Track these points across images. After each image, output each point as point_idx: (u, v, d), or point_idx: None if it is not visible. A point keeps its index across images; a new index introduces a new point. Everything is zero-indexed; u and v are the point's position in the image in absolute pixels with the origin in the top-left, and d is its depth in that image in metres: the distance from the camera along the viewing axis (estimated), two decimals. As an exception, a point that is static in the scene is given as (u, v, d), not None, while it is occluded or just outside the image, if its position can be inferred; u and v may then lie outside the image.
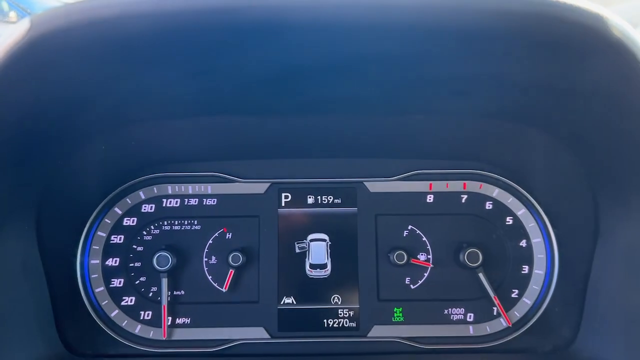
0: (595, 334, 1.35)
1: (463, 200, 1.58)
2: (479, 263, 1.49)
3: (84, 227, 1.53)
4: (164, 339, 1.49)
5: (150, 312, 1.52)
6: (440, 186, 1.59)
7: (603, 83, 0.98)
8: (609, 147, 1.18)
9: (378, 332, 1.53)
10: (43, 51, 0.86)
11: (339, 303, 1.55)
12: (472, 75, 1.08)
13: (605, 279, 1.32)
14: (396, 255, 1.52)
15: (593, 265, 1.35)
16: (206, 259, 1.55)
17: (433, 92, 1.21)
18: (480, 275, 1.50)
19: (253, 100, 1.26)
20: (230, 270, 1.52)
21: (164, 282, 1.49)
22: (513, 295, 1.54)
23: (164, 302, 1.49)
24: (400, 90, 1.21)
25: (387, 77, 1.12)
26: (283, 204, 1.59)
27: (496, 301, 1.50)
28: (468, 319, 1.53)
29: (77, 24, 0.84)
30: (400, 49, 0.97)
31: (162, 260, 1.48)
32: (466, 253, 1.49)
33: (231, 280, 1.53)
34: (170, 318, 1.51)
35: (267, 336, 1.52)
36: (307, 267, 1.56)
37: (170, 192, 1.58)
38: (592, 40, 0.88)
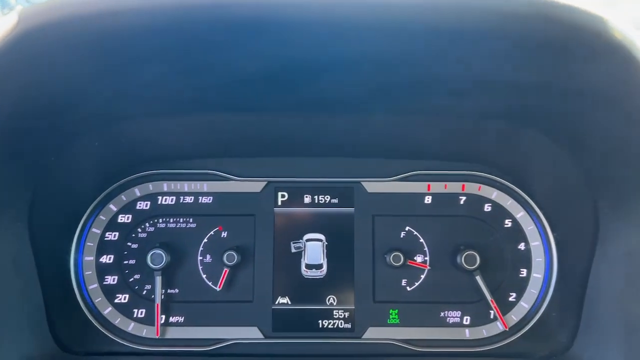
0: (593, 340, 1.34)
1: (461, 202, 1.57)
2: (476, 266, 1.48)
3: (78, 223, 1.52)
4: (157, 337, 1.48)
5: (144, 310, 1.51)
6: (438, 187, 1.57)
7: (603, 86, 0.96)
8: (610, 151, 1.16)
9: (373, 333, 1.51)
10: (31, 45, 0.85)
11: (334, 304, 1.53)
12: (471, 76, 1.06)
13: (604, 284, 1.30)
14: (393, 257, 1.50)
15: (592, 270, 1.34)
16: (201, 258, 1.54)
17: (432, 92, 1.19)
18: (478, 278, 1.49)
19: (249, 98, 1.24)
20: (225, 269, 1.51)
21: (158, 280, 1.48)
22: (510, 299, 1.53)
23: (158, 300, 1.48)
24: (399, 90, 1.19)
25: (385, 77, 1.10)
26: (279, 203, 1.57)
27: (493, 304, 1.49)
28: (464, 322, 1.52)
29: (66, 18, 0.82)
30: (400, 48, 0.96)
31: (157, 258, 1.47)
32: (464, 255, 1.48)
33: (226, 279, 1.51)
34: (163, 316, 1.50)
35: (261, 336, 1.50)
36: (303, 267, 1.54)
37: (165, 189, 1.57)
38: (592, 43, 0.86)
